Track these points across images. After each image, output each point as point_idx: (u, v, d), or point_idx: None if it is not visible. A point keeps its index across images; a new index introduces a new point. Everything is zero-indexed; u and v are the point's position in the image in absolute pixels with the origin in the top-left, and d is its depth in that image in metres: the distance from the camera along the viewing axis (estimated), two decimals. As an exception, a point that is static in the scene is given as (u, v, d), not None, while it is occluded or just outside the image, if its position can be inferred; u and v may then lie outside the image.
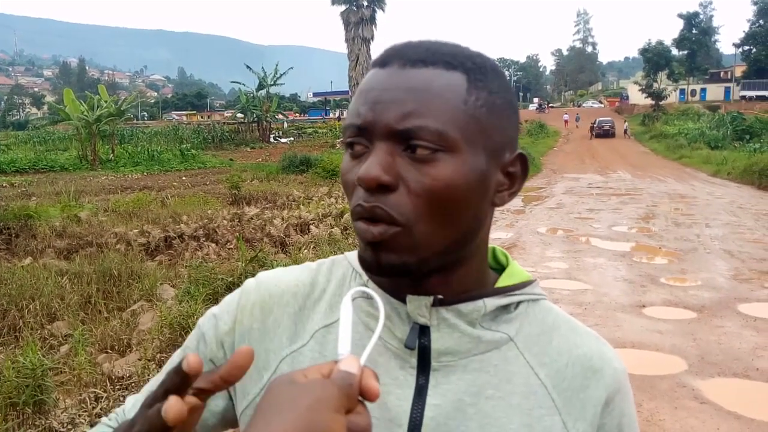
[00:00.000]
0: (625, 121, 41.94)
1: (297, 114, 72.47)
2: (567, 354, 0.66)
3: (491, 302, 0.63)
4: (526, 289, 0.66)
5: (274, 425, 0.41)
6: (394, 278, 0.61)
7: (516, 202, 13.86)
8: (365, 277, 0.66)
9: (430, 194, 0.56)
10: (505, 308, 0.65)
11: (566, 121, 48.42)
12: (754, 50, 55.46)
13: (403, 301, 0.62)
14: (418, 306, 0.61)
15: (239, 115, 41.81)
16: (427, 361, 0.62)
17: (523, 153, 0.63)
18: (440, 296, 0.61)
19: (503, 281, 0.66)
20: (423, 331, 0.62)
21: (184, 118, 69.28)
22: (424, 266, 0.59)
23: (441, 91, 0.57)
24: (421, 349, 0.62)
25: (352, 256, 0.70)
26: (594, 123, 41.15)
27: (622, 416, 0.66)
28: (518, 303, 0.66)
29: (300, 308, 0.68)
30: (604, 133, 38.90)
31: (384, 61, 0.60)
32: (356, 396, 0.44)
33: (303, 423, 0.40)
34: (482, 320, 0.63)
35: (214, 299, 5.28)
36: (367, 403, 0.60)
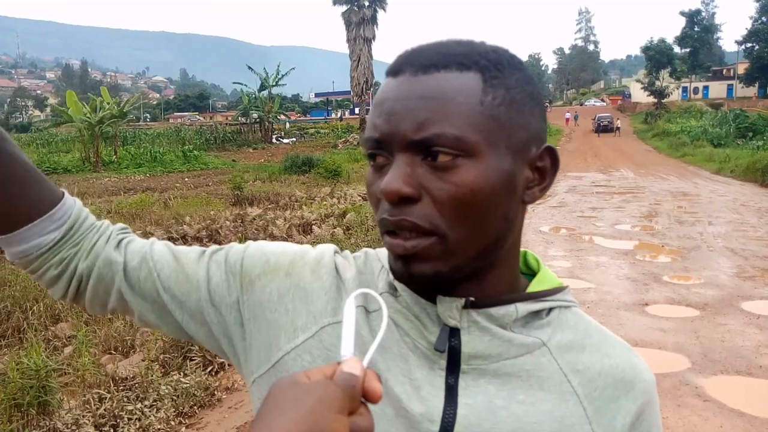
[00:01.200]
0: (617, 119, 43.22)
1: (299, 114, 72.52)
2: (599, 363, 0.65)
3: (523, 307, 0.62)
4: (558, 295, 0.65)
5: (277, 425, 0.41)
6: (423, 287, 0.61)
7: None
8: (392, 275, 0.65)
9: (455, 201, 0.55)
10: (537, 314, 0.64)
11: (567, 120, 50.27)
12: (757, 47, 55.14)
13: (434, 301, 0.61)
14: (449, 308, 0.60)
15: (252, 112, 41.51)
16: (457, 363, 0.61)
17: (551, 146, 0.61)
18: (472, 298, 0.60)
19: (534, 286, 0.65)
20: (453, 333, 0.61)
21: (199, 117, 69.29)
22: (457, 273, 0.58)
23: (455, 94, 0.56)
24: (450, 350, 0.61)
25: (383, 252, 0.69)
26: (594, 118, 44.29)
27: (651, 426, 0.66)
28: (550, 309, 0.65)
29: (347, 287, 0.67)
30: (603, 128, 41.60)
31: (396, 69, 0.59)
32: (359, 398, 0.44)
33: (306, 424, 0.41)
34: (513, 325, 0.62)
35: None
36: (400, 394, 0.61)
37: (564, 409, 0.62)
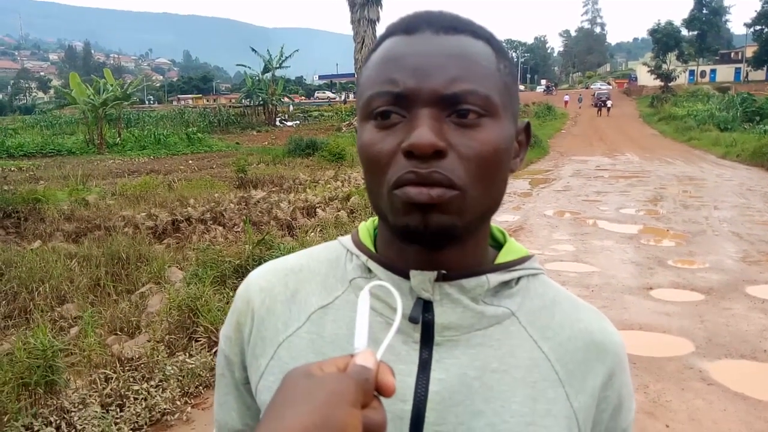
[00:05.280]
0: (608, 100, 44.27)
1: (303, 97, 72.19)
2: (569, 328, 0.66)
3: (494, 278, 0.63)
4: (526, 264, 0.67)
5: (289, 418, 0.41)
6: (434, 243, 0.59)
7: (523, 185, 13.80)
8: (363, 257, 0.66)
9: (479, 158, 0.57)
10: (506, 284, 0.65)
11: (566, 102, 50.69)
12: (766, 30, 54.51)
13: (406, 276, 0.62)
14: (422, 281, 0.61)
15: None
16: (431, 335, 0.62)
17: (529, 122, 0.67)
18: (444, 271, 0.61)
19: (503, 257, 0.66)
20: (426, 306, 0.62)
21: (228, 100, 68.46)
22: (466, 231, 0.59)
23: (478, 57, 0.58)
24: (424, 323, 0.62)
25: (346, 239, 0.70)
26: (594, 95, 47.67)
27: (622, 387, 0.68)
28: (518, 278, 0.66)
29: (292, 294, 0.68)
30: (602, 103, 43.47)
31: (411, 28, 0.59)
32: (372, 391, 0.44)
33: (318, 416, 0.40)
34: (484, 296, 0.63)
35: (222, 282, 5.30)
36: None
37: (537, 375, 0.63)
